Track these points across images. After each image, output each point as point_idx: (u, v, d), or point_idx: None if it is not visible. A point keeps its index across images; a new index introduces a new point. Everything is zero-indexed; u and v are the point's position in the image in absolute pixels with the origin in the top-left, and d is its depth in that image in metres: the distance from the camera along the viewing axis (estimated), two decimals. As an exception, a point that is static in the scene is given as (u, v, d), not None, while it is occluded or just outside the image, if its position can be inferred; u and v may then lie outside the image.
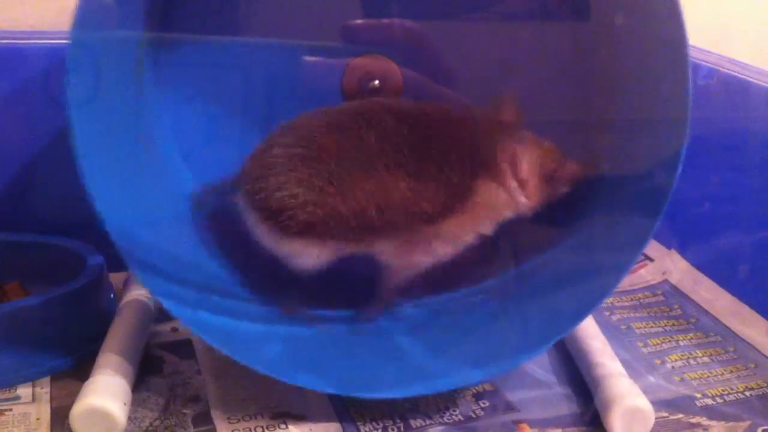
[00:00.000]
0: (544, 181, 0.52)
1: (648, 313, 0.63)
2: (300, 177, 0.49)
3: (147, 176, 0.53)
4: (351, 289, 0.56)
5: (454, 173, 0.50)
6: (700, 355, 0.58)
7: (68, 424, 0.45)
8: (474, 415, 0.50)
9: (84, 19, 0.44)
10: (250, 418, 0.49)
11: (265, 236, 0.50)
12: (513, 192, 0.52)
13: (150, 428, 0.47)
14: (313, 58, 0.59)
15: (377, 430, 0.48)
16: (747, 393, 0.53)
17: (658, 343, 0.59)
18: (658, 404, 0.51)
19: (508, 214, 0.52)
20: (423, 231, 0.51)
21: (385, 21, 0.58)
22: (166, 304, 0.46)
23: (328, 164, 0.49)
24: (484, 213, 0.52)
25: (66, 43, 0.43)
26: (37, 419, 0.48)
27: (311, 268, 0.51)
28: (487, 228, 0.52)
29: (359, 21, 0.58)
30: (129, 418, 0.47)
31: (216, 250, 0.55)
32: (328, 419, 0.49)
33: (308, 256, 0.51)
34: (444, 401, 0.51)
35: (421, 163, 0.50)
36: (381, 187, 0.49)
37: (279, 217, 0.49)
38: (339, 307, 0.56)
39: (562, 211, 0.55)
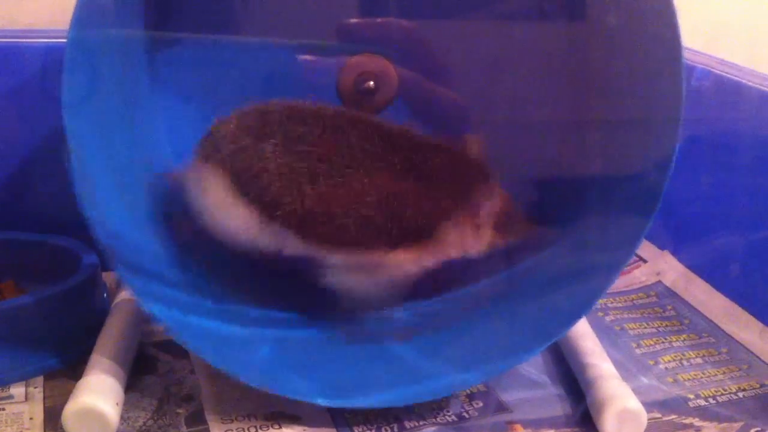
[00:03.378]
0: (496, 230, 0.52)
1: (641, 314, 0.64)
2: (280, 163, 0.48)
3: (139, 177, 0.53)
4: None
5: (425, 205, 0.50)
6: (693, 356, 0.58)
7: (61, 424, 0.45)
8: (467, 416, 0.50)
9: (82, 18, 0.44)
10: (244, 419, 0.49)
11: (216, 203, 0.50)
12: (466, 236, 0.52)
13: (143, 428, 0.47)
14: (309, 57, 0.59)
15: (371, 430, 0.48)
16: (740, 394, 0.54)
17: (651, 344, 0.59)
18: (650, 405, 0.51)
19: (455, 255, 0.52)
20: (372, 254, 0.51)
21: (382, 20, 0.58)
22: (154, 309, 0.46)
23: (308, 156, 0.49)
24: (434, 250, 0.52)
25: (63, 42, 0.43)
26: (30, 419, 0.48)
27: (241, 243, 0.50)
28: (433, 264, 0.52)
29: (355, 20, 0.58)
30: (122, 418, 0.47)
31: (198, 250, 0.54)
32: (322, 420, 0.49)
33: (245, 232, 0.50)
34: (437, 402, 0.51)
35: (398, 187, 0.50)
36: (352, 194, 0.49)
37: (245, 187, 0.49)
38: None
39: (555, 211, 0.55)
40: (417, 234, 0.51)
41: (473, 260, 0.53)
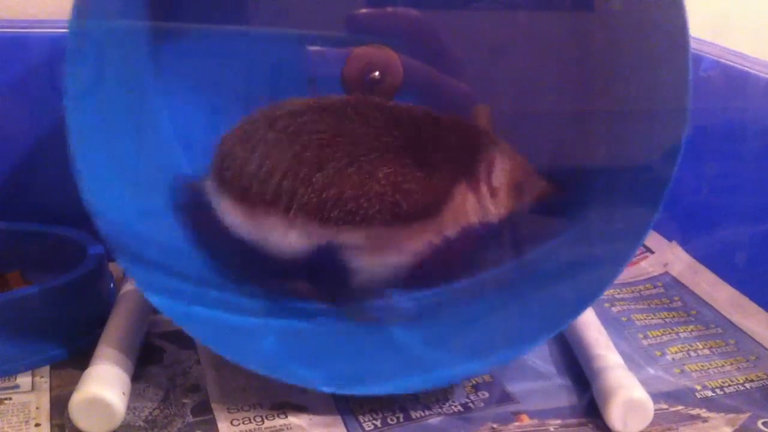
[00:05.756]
0: (514, 192, 0.53)
1: (648, 305, 0.63)
2: (282, 153, 0.49)
3: (143, 168, 0.53)
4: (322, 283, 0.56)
5: (435, 176, 0.51)
6: (701, 347, 0.58)
7: (67, 414, 0.45)
8: (472, 406, 0.50)
9: (84, 8, 0.44)
10: (250, 408, 0.49)
11: (233, 214, 0.51)
12: (483, 199, 0.53)
13: (149, 418, 0.47)
14: (315, 48, 0.59)
15: (377, 420, 0.48)
16: (747, 385, 0.53)
17: (658, 335, 0.59)
18: (657, 396, 0.51)
19: (475, 220, 0.53)
20: (393, 228, 0.51)
21: (389, 10, 0.58)
22: (156, 299, 0.46)
23: (312, 144, 0.49)
24: (453, 217, 0.52)
25: (66, 32, 0.43)
26: (37, 408, 0.48)
27: (280, 251, 0.51)
28: (454, 232, 0.53)
29: (363, 10, 0.58)
30: (128, 408, 0.47)
31: (204, 242, 0.54)
32: (328, 410, 0.49)
33: (277, 236, 0.51)
34: (443, 392, 0.51)
35: (404, 161, 0.50)
36: (361, 175, 0.49)
37: (251, 189, 0.49)
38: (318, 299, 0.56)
39: (562, 202, 0.55)
40: (427, 207, 0.51)
41: (494, 226, 0.53)
